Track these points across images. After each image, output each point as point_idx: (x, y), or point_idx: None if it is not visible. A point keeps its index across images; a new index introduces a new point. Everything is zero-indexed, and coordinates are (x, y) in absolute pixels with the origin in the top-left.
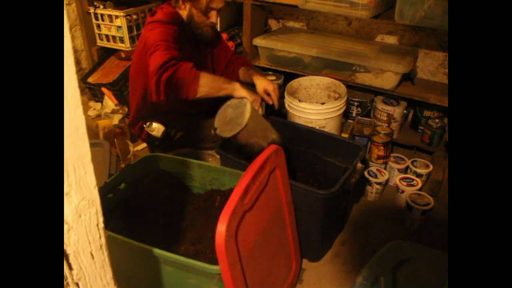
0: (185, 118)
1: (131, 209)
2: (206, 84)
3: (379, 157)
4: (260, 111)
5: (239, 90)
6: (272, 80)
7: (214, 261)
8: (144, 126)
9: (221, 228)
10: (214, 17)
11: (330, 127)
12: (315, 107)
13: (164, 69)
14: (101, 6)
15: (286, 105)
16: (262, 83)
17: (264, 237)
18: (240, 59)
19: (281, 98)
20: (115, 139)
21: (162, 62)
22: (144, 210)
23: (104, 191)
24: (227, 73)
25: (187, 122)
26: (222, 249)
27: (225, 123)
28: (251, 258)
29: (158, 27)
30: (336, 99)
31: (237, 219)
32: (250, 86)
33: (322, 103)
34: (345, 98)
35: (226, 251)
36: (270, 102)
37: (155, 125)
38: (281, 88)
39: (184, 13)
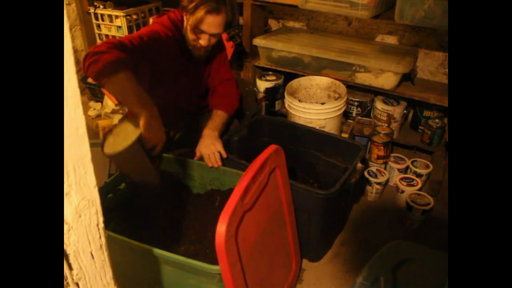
0: (184, 118)
1: (131, 209)
2: (117, 83)
3: (379, 157)
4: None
5: (144, 122)
6: (272, 81)
7: (214, 261)
8: None
9: (221, 228)
10: (204, 40)
11: (330, 127)
12: (315, 107)
13: (94, 52)
14: (101, 6)
15: (286, 105)
16: (200, 146)
17: (264, 237)
18: (225, 99)
19: (281, 98)
20: None
21: (101, 47)
22: (144, 210)
23: (104, 191)
24: (213, 99)
25: (186, 122)
26: (222, 249)
27: (116, 134)
28: (251, 258)
29: (154, 26)
30: (336, 99)
31: (237, 219)
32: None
33: (322, 103)
34: (345, 98)
35: (226, 251)
36: (210, 165)
37: None
38: (281, 88)
39: (185, 23)
